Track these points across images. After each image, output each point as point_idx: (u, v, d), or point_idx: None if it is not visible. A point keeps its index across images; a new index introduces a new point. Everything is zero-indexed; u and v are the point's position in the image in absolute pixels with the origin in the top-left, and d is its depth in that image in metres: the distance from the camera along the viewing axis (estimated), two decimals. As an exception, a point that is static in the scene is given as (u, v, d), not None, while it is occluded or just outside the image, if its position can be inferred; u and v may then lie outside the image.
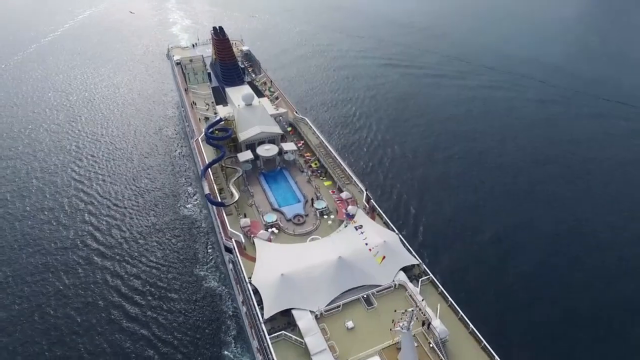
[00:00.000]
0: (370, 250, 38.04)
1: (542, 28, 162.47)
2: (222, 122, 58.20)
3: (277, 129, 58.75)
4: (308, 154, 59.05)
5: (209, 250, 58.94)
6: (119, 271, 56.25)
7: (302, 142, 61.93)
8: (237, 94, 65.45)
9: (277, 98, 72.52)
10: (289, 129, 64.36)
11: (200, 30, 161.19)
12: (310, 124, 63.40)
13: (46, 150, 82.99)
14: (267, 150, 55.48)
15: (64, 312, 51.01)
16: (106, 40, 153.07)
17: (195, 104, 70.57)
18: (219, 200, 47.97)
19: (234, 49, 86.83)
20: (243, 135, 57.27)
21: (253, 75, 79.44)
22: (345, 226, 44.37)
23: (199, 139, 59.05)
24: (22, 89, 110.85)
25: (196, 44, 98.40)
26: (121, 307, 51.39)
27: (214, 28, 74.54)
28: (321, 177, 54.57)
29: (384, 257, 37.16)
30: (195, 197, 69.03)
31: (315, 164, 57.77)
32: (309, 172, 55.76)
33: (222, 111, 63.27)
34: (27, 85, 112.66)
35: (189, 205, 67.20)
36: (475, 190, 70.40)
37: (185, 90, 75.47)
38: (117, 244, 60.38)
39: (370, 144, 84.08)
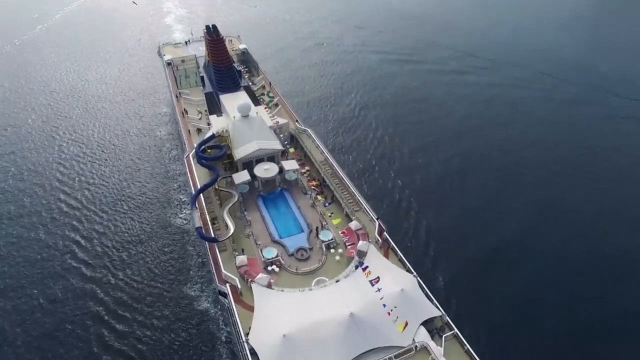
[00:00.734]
0: (389, 314, 32.58)
1: (564, 20, 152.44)
2: (216, 138, 52.28)
3: (277, 145, 52.78)
4: (313, 182, 52.68)
5: (201, 268, 53.52)
6: (101, 285, 51.80)
7: (303, 158, 56.19)
8: (233, 102, 59.25)
9: (276, 105, 66.22)
10: (289, 147, 57.17)
11: (194, 23, 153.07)
12: (314, 137, 57.31)
13: (27, 150, 77.50)
14: (266, 171, 49.61)
15: (41, 330, 46.85)
16: (95, 32, 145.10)
17: (187, 113, 64.29)
18: (212, 234, 42.38)
19: (230, 49, 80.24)
20: (239, 153, 51.33)
21: (249, 83, 71.61)
22: (356, 267, 38.87)
23: (191, 155, 53.14)
24: (3, 84, 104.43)
25: (189, 41, 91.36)
26: (102, 323, 47.36)
27: (207, 27, 67.61)
28: (325, 203, 48.42)
29: (406, 324, 31.74)
30: (188, 205, 63.44)
31: (318, 182, 52.13)
32: (313, 195, 50.08)
33: (216, 123, 57.16)
34: (9, 82, 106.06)
35: (181, 216, 61.68)
36: (509, 222, 59.75)
37: (177, 96, 69.10)
38: (101, 255, 55.73)
39: (379, 159, 74.28)
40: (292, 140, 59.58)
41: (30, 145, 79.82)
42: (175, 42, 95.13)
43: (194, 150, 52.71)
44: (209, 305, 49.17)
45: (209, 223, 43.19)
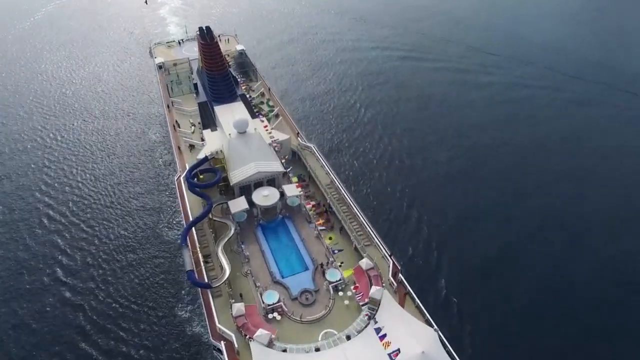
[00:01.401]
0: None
1: (578, 14, 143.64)
2: (209, 161, 47.06)
3: (277, 166, 47.57)
4: (310, 202, 47.67)
5: (193, 287, 48.15)
6: (85, 300, 48.34)
7: (307, 179, 51.05)
8: (228, 114, 53.84)
9: (277, 116, 60.73)
10: (290, 170, 51.02)
11: (189, 15, 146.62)
12: (318, 154, 52.03)
13: (9, 153, 73.12)
14: (265, 198, 44.55)
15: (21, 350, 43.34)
16: (85, 24, 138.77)
17: (179, 126, 58.86)
18: (205, 276, 37.57)
19: (226, 51, 74.26)
20: (235, 176, 46.16)
21: (247, 92, 65.07)
22: (368, 318, 34.14)
23: (182, 177, 47.99)
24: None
25: (183, 40, 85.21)
26: (86, 341, 44.12)
27: (200, 29, 61.55)
28: (334, 249, 41.41)
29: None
30: (180, 216, 58.83)
31: (324, 209, 47.09)
32: (318, 224, 45.09)
33: (210, 139, 51.89)
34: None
35: (173, 225, 57.25)
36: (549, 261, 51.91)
37: (168, 106, 63.52)
38: (85, 267, 52.26)
39: (391, 181, 65.17)
40: (294, 156, 54.42)
41: (14, 146, 75.14)
42: (168, 40, 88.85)
43: (185, 172, 47.59)
44: (202, 330, 44.61)
45: (202, 263, 38.35)
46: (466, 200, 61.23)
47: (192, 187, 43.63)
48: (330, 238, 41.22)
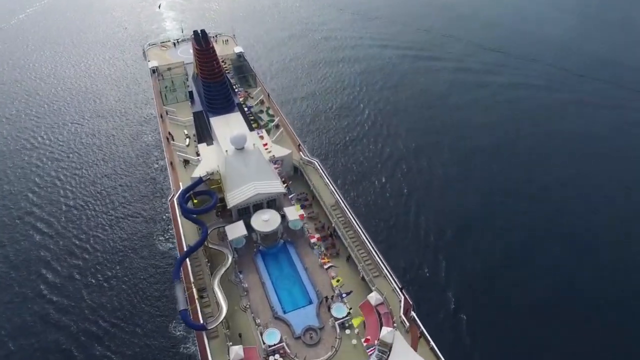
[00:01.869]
0: None
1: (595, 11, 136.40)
2: (204, 182, 43.60)
3: (278, 186, 44.12)
4: (319, 229, 44.01)
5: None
6: (73, 313, 46.32)
7: (310, 199, 47.62)
8: (225, 127, 50.24)
9: (277, 126, 57.06)
10: (290, 193, 46.54)
11: (186, 9, 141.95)
12: (322, 171, 48.49)
13: None
14: (265, 223, 41.18)
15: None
16: (77, 20, 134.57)
17: (173, 139, 55.27)
18: (200, 314, 34.36)
19: (223, 54, 70.58)
20: (233, 198, 42.77)
21: (245, 100, 60.75)
22: (378, 365, 31.08)
23: (175, 198, 44.58)
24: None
25: (178, 41, 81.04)
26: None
27: (195, 33, 57.51)
28: (342, 293, 36.69)
29: None
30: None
31: (328, 232, 43.77)
32: (322, 250, 41.80)
33: (205, 156, 48.42)
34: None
35: (167, 236, 54.66)
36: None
37: (161, 116, 59.80)
38: (74, 278, 49.95)
39: (404, 203, 59.56)
40: (296, 172, 50.95)
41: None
42: (163, 40, 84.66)
43: (178, 194, 44.10)
44: (197, 349, 41.83)
45: (197, 300, 35.13)
46: (493, 230, 54.78)
47: (185, 213, 40.25)
48: (337, 280, 37.51)
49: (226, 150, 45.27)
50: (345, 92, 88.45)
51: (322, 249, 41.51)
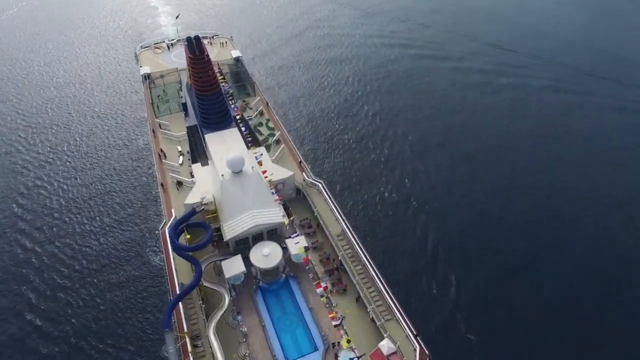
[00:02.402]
0: None
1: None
2: (198, 213, 39.71)
3: (279, 215, 40.33)
4: (325, 262, 40.50)
5: None
6: (59, 336, 43.40)
7: (315, 227, 43.82)
8: (221, 146, 46.18)
9: (278, 142, 52.94)
10: (291, 218, 43.24)
11: (182, 5, 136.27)
12: (327, 194, 44.50)
13: None
14: (266, 258, 37.47)
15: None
16: (66, 13, 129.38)
17: (165, 155, 51.22)
18: None
19: (220, 59, 66.16)
20: (230, 230, 38.97)
21: (244, 112, 56.98)
22: None
23: (167, 229, 40.73)
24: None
25: (172, 43, 76.24)
26: None
27: (188, 40, 52.58)
28: (350, 350, 32.65)
29: None
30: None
31: (334, 266, 40.09)
32: (328, 285, 38.19)
33: (200, 178, 44.49)
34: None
35: (160, 255, 50.86)
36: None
37: (153, 131, 55.67)
38: (58, 297, 46.95)
39: (420, 228, 53.77)
40: (299, 193, 47.07)
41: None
42: (157, 41, 79.59)
43: (170, 226, 40.19)
44: None
45: (190, 353, 31.54)
46: (529, 278, 48.60)
47: (177, 250, 36.45)
48: (348, 341, 33.44)
49: (222, 175, 41.37)
50: (354, 99, 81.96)
51: (328, 285, 38.03)
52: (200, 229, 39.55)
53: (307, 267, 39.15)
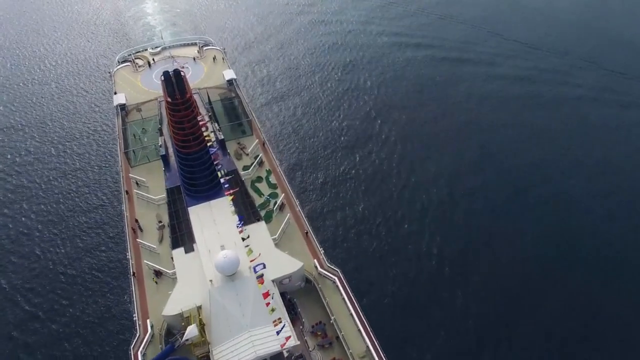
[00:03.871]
0: None
1: None
2: (177, 348, 29.93)
3: (287, 333, 30.77)
4: None
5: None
6: None
7: (333, 340, 34.12)
8: (209, 227, 36.02)
9: (282, 207, 42.32)
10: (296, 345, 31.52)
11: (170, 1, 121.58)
12: (345, 291, 34.31)
13: None
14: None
15: None
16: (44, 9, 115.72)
17: (140, 227, 41.03)
18: None
19: (208, 77, 55.46)
20: (222, 358, 29.58)
21: (239, 159, 46.61)
22: None
23: (140, 352, 31.13)
24: None
25: (154, 59, 64.02)
26: None
27: (165, 75, 37.49)
28: None
29: None
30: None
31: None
32: None
33: (182, 277, 34.50)
34: None
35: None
36: None
37: (127, 192, 45.20)
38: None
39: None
40: (309, 283, 37.22)
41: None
42: (137, 50, 66.73)
43: (146, 337, 30.85)
44: None
45: None
46: None
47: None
48: None
49: (210, 280, 31.56)
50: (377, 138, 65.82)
51: None
52: None
53: None
